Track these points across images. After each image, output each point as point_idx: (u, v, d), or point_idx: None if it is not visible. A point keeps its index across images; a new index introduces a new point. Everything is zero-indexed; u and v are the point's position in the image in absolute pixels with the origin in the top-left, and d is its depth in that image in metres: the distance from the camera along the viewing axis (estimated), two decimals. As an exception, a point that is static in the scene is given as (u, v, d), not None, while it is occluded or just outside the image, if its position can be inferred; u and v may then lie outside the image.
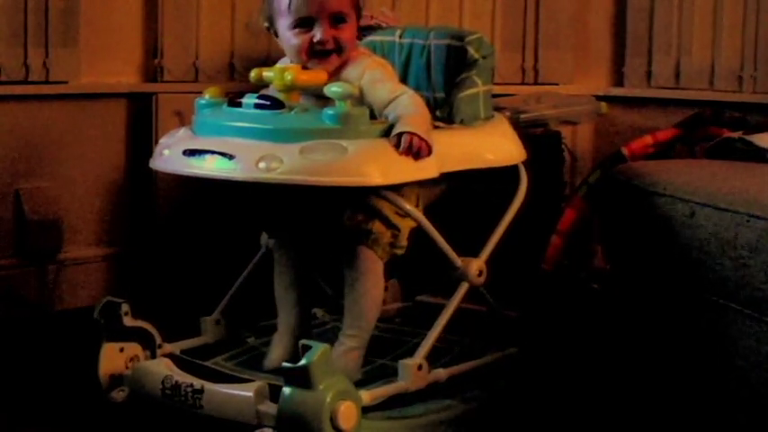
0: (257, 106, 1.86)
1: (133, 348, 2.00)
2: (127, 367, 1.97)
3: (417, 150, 1.82)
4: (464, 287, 1.99)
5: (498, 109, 2.18)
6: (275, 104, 1.86)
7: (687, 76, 2.90)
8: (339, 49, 1.95)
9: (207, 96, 1.94)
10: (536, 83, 2.99)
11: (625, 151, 2.56)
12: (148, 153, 2.01)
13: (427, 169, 1.85)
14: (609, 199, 2.24)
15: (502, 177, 2.09)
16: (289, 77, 1.88)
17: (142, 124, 2.70)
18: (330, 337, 2.03)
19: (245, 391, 1.78)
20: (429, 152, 1.84)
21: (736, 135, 2.39)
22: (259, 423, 1.75)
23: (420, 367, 1.89)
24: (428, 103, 2.01)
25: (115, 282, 2.73)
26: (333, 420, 1.68)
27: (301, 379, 1.67)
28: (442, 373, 1.95)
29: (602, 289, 2.47)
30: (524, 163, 2.12)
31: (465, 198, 2.09)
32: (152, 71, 2.72)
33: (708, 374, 1.91)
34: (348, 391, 1.72)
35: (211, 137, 1.87)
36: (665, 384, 2.01)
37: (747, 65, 2.83)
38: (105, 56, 2.68)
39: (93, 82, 2.67)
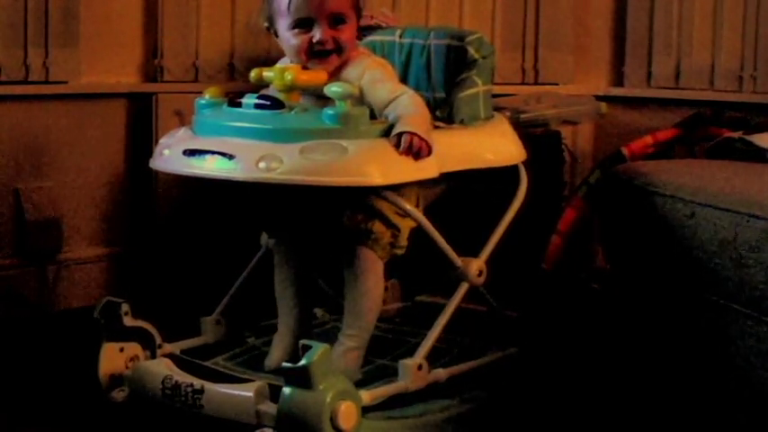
0: (257, 106, 1.86)
1: (133, 348, 2.00)
2: (127, 367, 1.97)
3: (417, 150, 1.82)
4: (464, 287, 1.99)
5: (498, 109, 2.18)
6: (275, 104, 1.86)
7: (687, 76, 2.90)
8: (339, 49, 1.95)
9: (207, 96, 1.94)
10: (536, 83, 2.98)
11: (625, 151, 2.56)
12: (148, 153, 2.01)
13: (427, 169, 1.85)
14: (609, 199, 2.24)
15: (502, 177, 2.09)
16: (289, 77, 1.88)
17: (142, 124, 2.70)
18: (330, 337, 2.03)
19: (245, 391, 1.78)
20: (429, 152, 1.84)
21: (736, 135, 2.39)
22: (259, 423, 1.75)
23: (420, 367, 1.89)
24: (428, 103, 2.01)
25: (115, 282, 2.73)
26: (333, 420, 1.68)
27: (301, 379, 1.67)
28: (441, 373, 1.95)
29: (602, 289, 2.47)
30: (524, 163, 2.12)
31: (465, 198, 2.09)
32: (152, 71, 2.72)
33: (708, 374, 1.91)
34: (348, 391, 1.72)
35: (211, 137, 1.87)
36: (665, 384, 2.01)
37: (747, 65, 2.83)
38: (105, 56, 2.68)
39: (93, 82, 2.67)
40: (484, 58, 2.09)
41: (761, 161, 2.25)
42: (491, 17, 2.96)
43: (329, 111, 1.81)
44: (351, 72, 1.96)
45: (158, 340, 2.03)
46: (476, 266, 2.00)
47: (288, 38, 1.97)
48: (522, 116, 2.23)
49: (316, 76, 1.92)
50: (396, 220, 1.94)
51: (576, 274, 2.58)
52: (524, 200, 2.10)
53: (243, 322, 2.19)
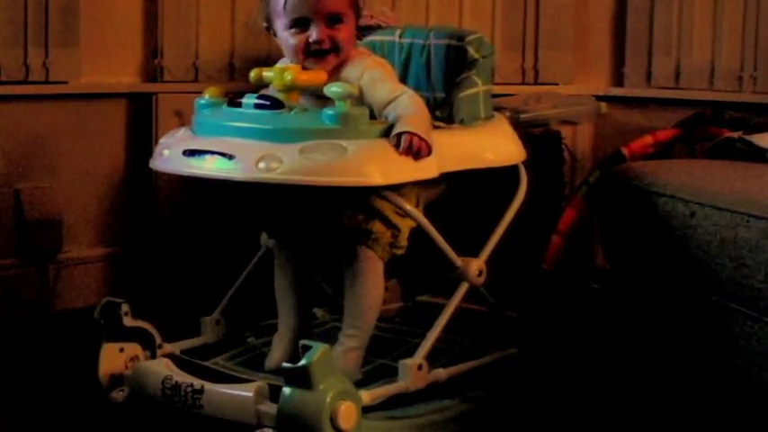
0: (257, 106, 1.86)
1: (133, 348, 2.00)
2: (127, 367, 1.97)
3: (417, 150, 1.82)
4: (464, 287, 1.99)
5: (498, 109, 2.18)
6: (275, 104, 1.86)
7: (687, 76, 2.90)
8: (336, 48, 1.95)
9: (207, 96, 1.94)
10: (536, 83, 2.98)
11: (625, 151, 2.56)
12: (148, 153, 2.01)
13: (427, 169, 1.85)
14: (609, 199, 2.24)
15: (502, 177, 2.09)
16: (289, 77, 1.88)
17: (142, 124, 2.70)
18: (330, 337, 2.03)
19: (245, 391, 1.78)
20: (429, 152, 1.84)
21: (736, 135, 2.39)
22: (259, 423, 1.75)
23: (420, 367, 1.89)
24: (428, 103, 2.01)
25: (115, 282, 2.73)
26: (333, 420, 1.68)
27: (301, 379, 1.67)
28: (442, 373, 1.95)
29: (602, 289, 2.47)
30: (524, 163, 2.12)
31: (465, 198, 2.09)
32: (152, 71, 2.72)
33: (708, 374, 1.91)
34: (348, 391, 1.72)
35: (211, 137, 1.87)
36: (665, 384, 2.01)
37: (747, 65, 2.83)
38: (105, 56, 2.68)
39: (93, 82, 2.67)
40: (484, 57, 2.09)
41: (761, 161, 2.25)
42: (491, 17, 2.96)
43: (329, 111, 1.81)
44: (350, 72, 1.96)
45: (158, 340, 2.03)
46: (476, 266, 2.00)
47: (285, 38, 1.97)
48: (522, 116, 2.23)
49: (315, 76, 1.92)
50: (396, 220, 1.94)
51: (576, 274, 2.58)
52: (524, 200, 2.10)
53: (243, 322, 2.19)
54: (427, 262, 2.02)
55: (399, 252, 1.97)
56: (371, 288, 1.96)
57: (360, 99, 1.90)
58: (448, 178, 1.95)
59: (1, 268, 2.58)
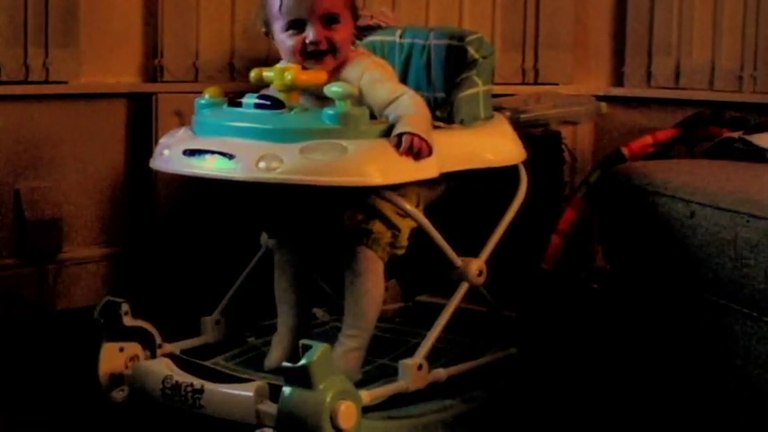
0: (257, 106, 1.86)
1: (133, 348, 2.00)
2: (127, 367, 1.97)
3: (418, 151, 1.82)
4: (464, 287, 1.99)
5: (498, 109, 2.18)
6: (275, 104, 1.86)
7: (687, 76, 2.90)
8: (333, 49, 1.95)
9: (207, 96, 1.94)
10: (536, 83, 2.99)
11: (625, 151, 2.56)
12: (148, 153, 2.01)
13: (427, 169, 1.85)
14: (609, 199, 2.24)
15: (502, 177, 2.09)
16: (289, 77, 1.88)
17: (142, 124, 2.70)
18: (330, 337, 2.03)
19: (245, 391, 1.78)
20: (429, 152, 1.84)
21: (736, 135, 2.39)
22: (259, 423, 1.75)
23: (420, 367, 1.89)
24: (428, 103, 2.01)
25: (115, 282, 2.73)
26: (333, 420, 1.68)
27: (301, 379, 1.67)
28: (442, 373, 1.95)
29: (602, 289, 2.47)
30: (524, 163, 2.12)
31: (465, 198, 2.09)
32: (152, 71, 2.72)
33: (708, 374, 1.91)
34: (348, 391, 1.72)
35: (211, 137, 1.87)
36: (665, 384, 2.01)
37: (747, 65, 2.83)
38: (105, 56, 2.68)
39: (93, 82, 2.67)
40: (484, 58, 2.09)
41: (761, 161, 2.25)
42: (491, 17, 2.96)
43: (329, 111, 1.81)
44: (350, 72, 1.95)
45: (158, 340, 2.03)
46: (476, 266, 2.00)
47: (283, 40, 1.97)
48: (522, 116, 2.23)
49: (315, 76, 1.91)
50: (396, 220, 1.94)
51: (576, 274, 2.58)
52: (524, 200, 2.10)
53: (243, 322, 2.19)
54: (427, 262, 2.01)
55: (399, 252, 1.97)
56: (371, 288, 1.96)
57: (360, 99, 1.90)
58: (448, 178, 1.95)
59: (1, 268, 2.58)
